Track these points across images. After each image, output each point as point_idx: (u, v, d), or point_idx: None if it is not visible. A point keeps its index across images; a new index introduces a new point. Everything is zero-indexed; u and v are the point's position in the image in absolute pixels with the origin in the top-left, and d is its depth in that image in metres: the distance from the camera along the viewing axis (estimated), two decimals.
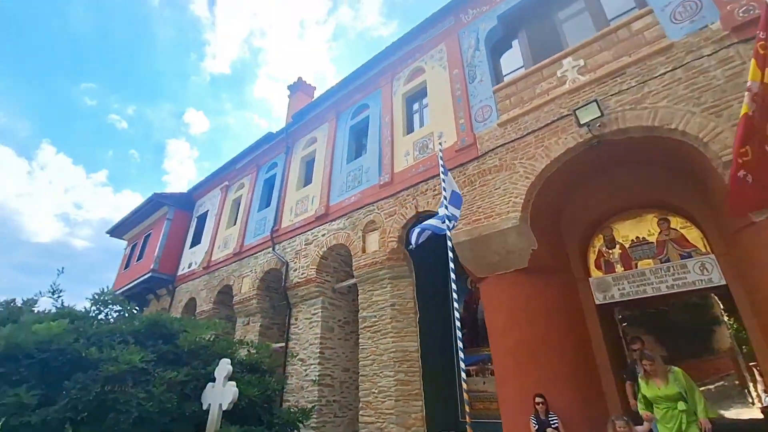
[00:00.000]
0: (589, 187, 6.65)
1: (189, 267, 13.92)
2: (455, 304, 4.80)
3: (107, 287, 5.01)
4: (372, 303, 7.61)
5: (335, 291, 9.13)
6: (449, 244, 5.21)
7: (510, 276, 6.11)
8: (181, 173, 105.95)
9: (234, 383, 4.80)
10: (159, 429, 4.28)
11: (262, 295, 10.37)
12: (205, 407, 4.87)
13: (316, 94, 13.35)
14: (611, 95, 5.59)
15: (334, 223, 9.15)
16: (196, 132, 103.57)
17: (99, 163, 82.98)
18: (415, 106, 9.29)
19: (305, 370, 8.24)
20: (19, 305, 5.16)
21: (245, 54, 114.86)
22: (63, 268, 5.16)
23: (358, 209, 8.66)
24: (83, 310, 5.04)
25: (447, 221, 5.24)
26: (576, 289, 6.50)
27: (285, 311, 9.57)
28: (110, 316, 5.30)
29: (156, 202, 15.24)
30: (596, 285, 6.42)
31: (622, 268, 6.32)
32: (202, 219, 14.87)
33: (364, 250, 8.11)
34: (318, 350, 8.21)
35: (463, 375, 4.53)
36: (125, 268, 16.58)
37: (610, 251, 6.56)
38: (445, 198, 5.45)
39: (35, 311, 5.30)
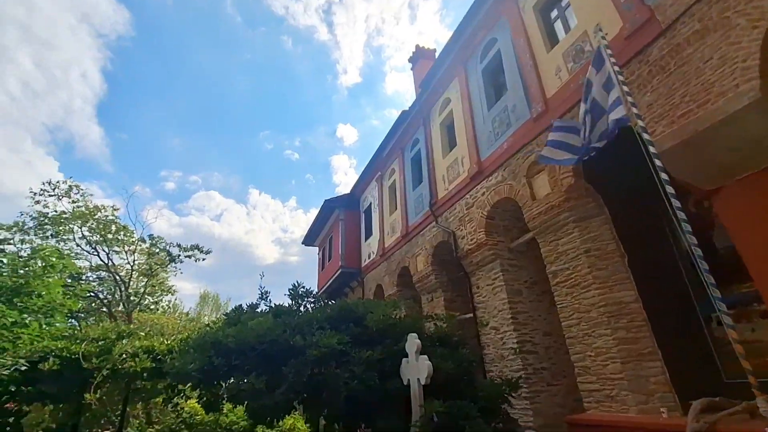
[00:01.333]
0: None
1: (369, 258, 15.06)
2: (686, 227, 3.44)
3: (297, 282, 5.55)
4: (560, 254, 6.47)
5: (512, 251, 8.24)
6: (652, 149, 3.81)
7: (765, 175, 4.19)
8: (346, 183, 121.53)
9: (426, 357, 4.64)
10: (368, 406, 4.45)
11: (437, 269, 10.26)
12: (405, 383, 4.86)
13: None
14: None
15: (491, 177, 8.27)
16: (349, 143, 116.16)
17: (288, 193, 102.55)
18: (553, 13, 7.58)
19: (501, 339, 7.66)
20: (244, 309, 6.16)
21: (369, 58, 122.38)
22: (263, 273, 6.09)
23: (514, 155, 7.58)
24: (286, 305, 5.72)
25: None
26: None
27: (465, 282, 9.19)
28: (307, 308, 5.87)
29: (328, 207, 17.10)
30: None
31: None
32: (368, 212, 15.91)
33: (533, 198, 7.00)
34: (509, 316, 7.51)
35: (728, 321, 3.19)
36: (322, 269, 19.18)
37: None
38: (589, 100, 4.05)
39: (258, 311, 6.23)
